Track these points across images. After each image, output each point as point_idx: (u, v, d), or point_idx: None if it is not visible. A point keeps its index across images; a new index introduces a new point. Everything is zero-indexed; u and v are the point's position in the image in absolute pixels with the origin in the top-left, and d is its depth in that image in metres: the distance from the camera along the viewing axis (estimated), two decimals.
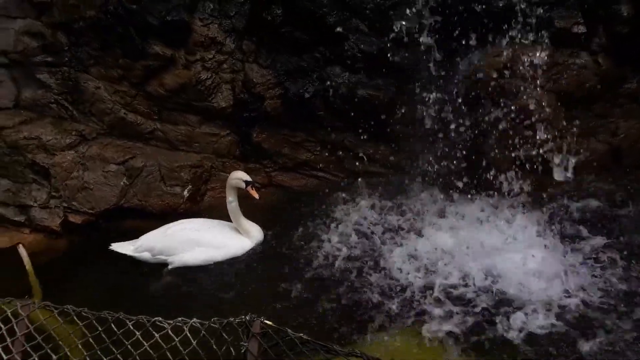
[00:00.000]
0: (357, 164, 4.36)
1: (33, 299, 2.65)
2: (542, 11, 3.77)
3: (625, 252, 3.33)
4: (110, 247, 3.61)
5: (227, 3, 4.27)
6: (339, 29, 4.00)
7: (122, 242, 3.65)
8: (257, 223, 3.78)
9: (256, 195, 3.66)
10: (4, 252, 3.86)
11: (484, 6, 3.79)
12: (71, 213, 4.10)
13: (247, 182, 3.62)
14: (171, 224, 3.70)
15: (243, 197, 3.72)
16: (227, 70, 4.33)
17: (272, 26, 4.16)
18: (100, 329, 2.11)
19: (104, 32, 4.29)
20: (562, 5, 3.88)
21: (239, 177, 3.64)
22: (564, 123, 3.96)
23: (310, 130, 4.37)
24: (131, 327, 2.06)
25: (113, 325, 2.09)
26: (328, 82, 4.15)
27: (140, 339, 2.04)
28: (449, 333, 2.85)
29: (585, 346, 2.68)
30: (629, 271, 3.18)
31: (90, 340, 2.13)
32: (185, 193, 4.24)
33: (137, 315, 2.09)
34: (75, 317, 2.17)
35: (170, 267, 3.56)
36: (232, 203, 3.64)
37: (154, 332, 2.03)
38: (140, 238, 3.64)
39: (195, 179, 4.31)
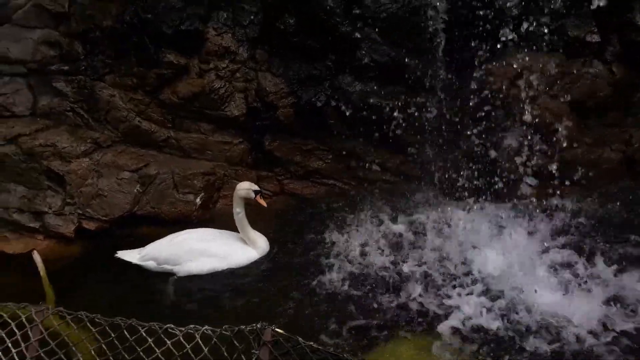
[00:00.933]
0: (368, 172, 4.36)
1: (47, 304, 2.67)
2: (555, 20, 3.76)
3: None
4: (117, 255, 3.62)
5: (241, 12, 4.32)
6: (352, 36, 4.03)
7: (129, 250, 3.65)
8: (268, 231, 3.80)
9: (264, 204, 3.69)
10: (18, 258, 3.90)
11: (496, 15, 3.79)
12: (85, 220, 4.14)
13: (256, 192, 3.65)
14: (177, 233, 3.71)
15: (253, 206, 3.73)
16: (240, 79, 4.36)
17: (285, 35, 4.19)
18: (113, 335, 2.13)
19: (120, 41, 4.36)
20: (576, 14, 3.87)
21: (247, 187, 3.66)
22: (578, 132, 3.95)
23: (322, 139, 4.39)
24: (143, 334, 2.08)
25: (126, 332, 2.10)
26: (339, 91, 4.17)
27: (153, 345, 2.05)
28: (461, 341, 2.83)
29: None
30: None
31: (103, 346, 2.15)
32: (198, 201, 4.26)
33: (149, 322, 2.10)
34: (88, 323, 2.20)
35: (176, 276, 3.56)
36: (239, 214, 3.65)
37: (165, 339, 2.05)
38: (146, 247, 3.64)
39: (208, 186, 4.34)
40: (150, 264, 3.58)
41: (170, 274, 3.58)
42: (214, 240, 3.67)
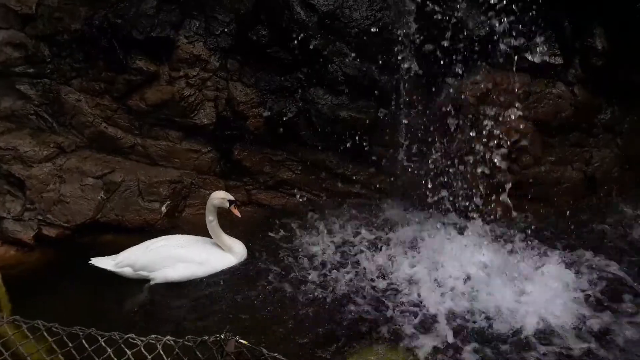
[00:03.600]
0: (337, 184, 4.39)
1: (1, 313, 2.58)
2: (521, 41, 3.88)
3: None
4: (90, 262, 3.54)
5: (213, 22, 4.31)
6: (323, 52, 4.07)
7: (102, 257, 3.58)
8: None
9: (239, 215, 3.69)
10: None
11: (465, 34, 3.89)
12: (46, 226, 4.03)
13: (230, 202, 3.64)
14: (153, 240, 3.67)
15: (223, 215, 3.71)
16: (210, 87, 4.34)
17: (257, 46, 4.20)
18: (70, 345, 2.07)
19: (88, 45, 4.29)
20: (540, 37, 4.01)
21: (222, 196, 3.65)
22: (541, 151, 4.06)
23: (292, 150, 4.39)
24: (103, 344, 2.03)
25: (84, 342, 2.04)
26: (311, 103, 4.20)
27: (112, 356, 2.01)
28: (428, 353, 2.85)
29: None
30: None
31: (60, 356, 2.09)
32: (163, 209, 4.20)
33: (109, 331, 2.05)
34: (45, 333, 2.13)
35: (152, 282, 3.52)
36: (212, 222, 3.64)
37: (126, 349, 2.01)
38: (121, 253, 3.58)
39: (174, 194, 4.28)
40: (127, 271, 3.53)
41: (143, 280, 3.52)
42: (191, 247, 3.64)
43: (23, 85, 4.36)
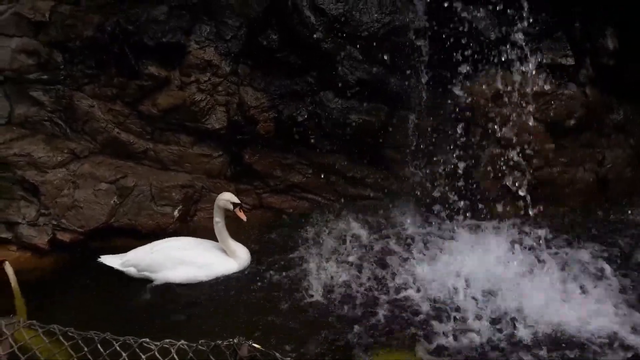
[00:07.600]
0: (348, 187, 4.39)
1: (18, 317, 2.60)
2: (532, 42, 3.87)
3: None
4: (99, 259, 3.65)
5: (224, 27, 4.34)
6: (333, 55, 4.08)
7: (111, 255, 3.69)
8: (246, 244, 3.78)
9: (244, 218, 3.69)
10: None
11: (476, 35, 3.88)
12: (60, 231, 4.07)
13: (235, 204, 3.65)
14: (158, 241, 3.72)
15: (233, 218, 3.72)
16: (222, 92, 4.36)
17: (268, 50, 4.21)
18: (86, 349, 2.08)
19: (100, 51, 4.33)
20: (551, 37, 3.99)
21: (227, 198, 3.66)
22: (553, 152, 4.04)
23: (302, 153, 4.40)
24: (118, 348, 2.04)
25: (99, 346, 2.06)
26: (321, 107, 4.20)
27: None
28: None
29: None
30: None
31: None
32: (176, 213, 4.23)
33: (124, 335, 2.07)
34: (60, 337, 2.15)
35: (154, 283, 3.56)
36: (218, 224, 3.66)
37: (140, 354, 2.02)
38: (128, 253, 3.67)
39: (186, 199, 4.31)
40: (131, 270, 3.60)
41: (149, 280, 3.58)
42: (193, 249, 3.68)
43: (37, 91, 4.41)
